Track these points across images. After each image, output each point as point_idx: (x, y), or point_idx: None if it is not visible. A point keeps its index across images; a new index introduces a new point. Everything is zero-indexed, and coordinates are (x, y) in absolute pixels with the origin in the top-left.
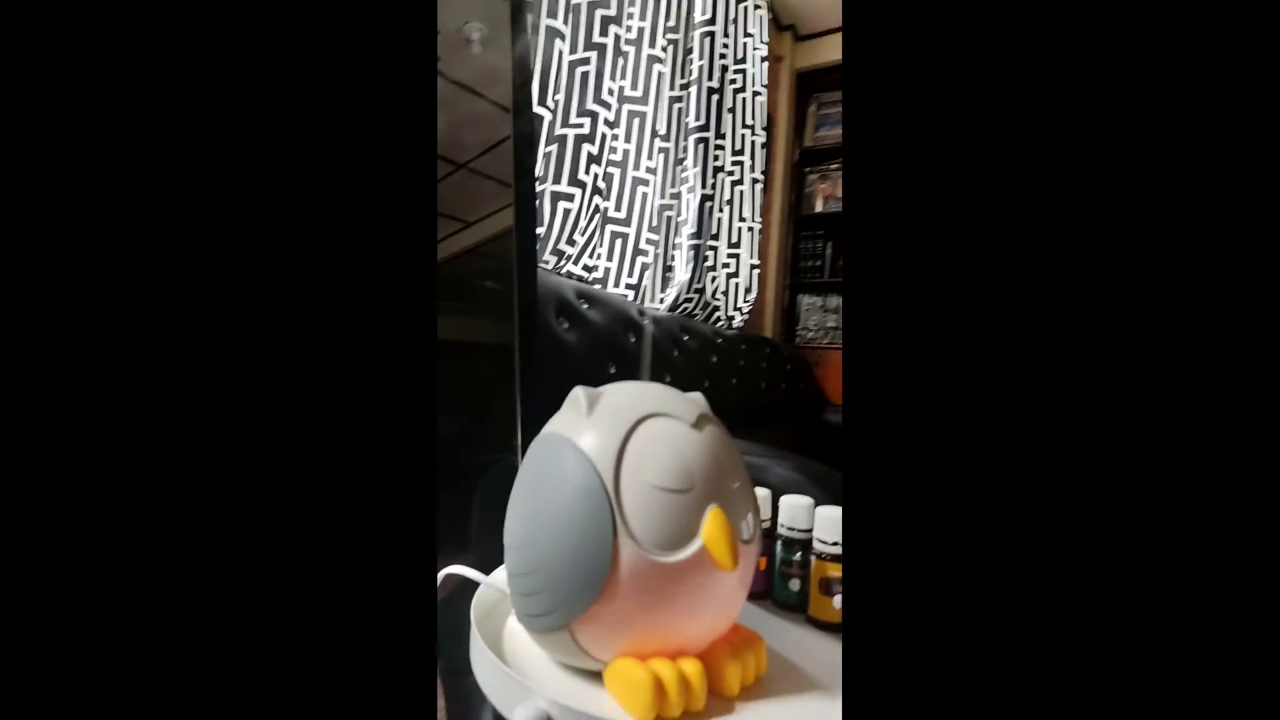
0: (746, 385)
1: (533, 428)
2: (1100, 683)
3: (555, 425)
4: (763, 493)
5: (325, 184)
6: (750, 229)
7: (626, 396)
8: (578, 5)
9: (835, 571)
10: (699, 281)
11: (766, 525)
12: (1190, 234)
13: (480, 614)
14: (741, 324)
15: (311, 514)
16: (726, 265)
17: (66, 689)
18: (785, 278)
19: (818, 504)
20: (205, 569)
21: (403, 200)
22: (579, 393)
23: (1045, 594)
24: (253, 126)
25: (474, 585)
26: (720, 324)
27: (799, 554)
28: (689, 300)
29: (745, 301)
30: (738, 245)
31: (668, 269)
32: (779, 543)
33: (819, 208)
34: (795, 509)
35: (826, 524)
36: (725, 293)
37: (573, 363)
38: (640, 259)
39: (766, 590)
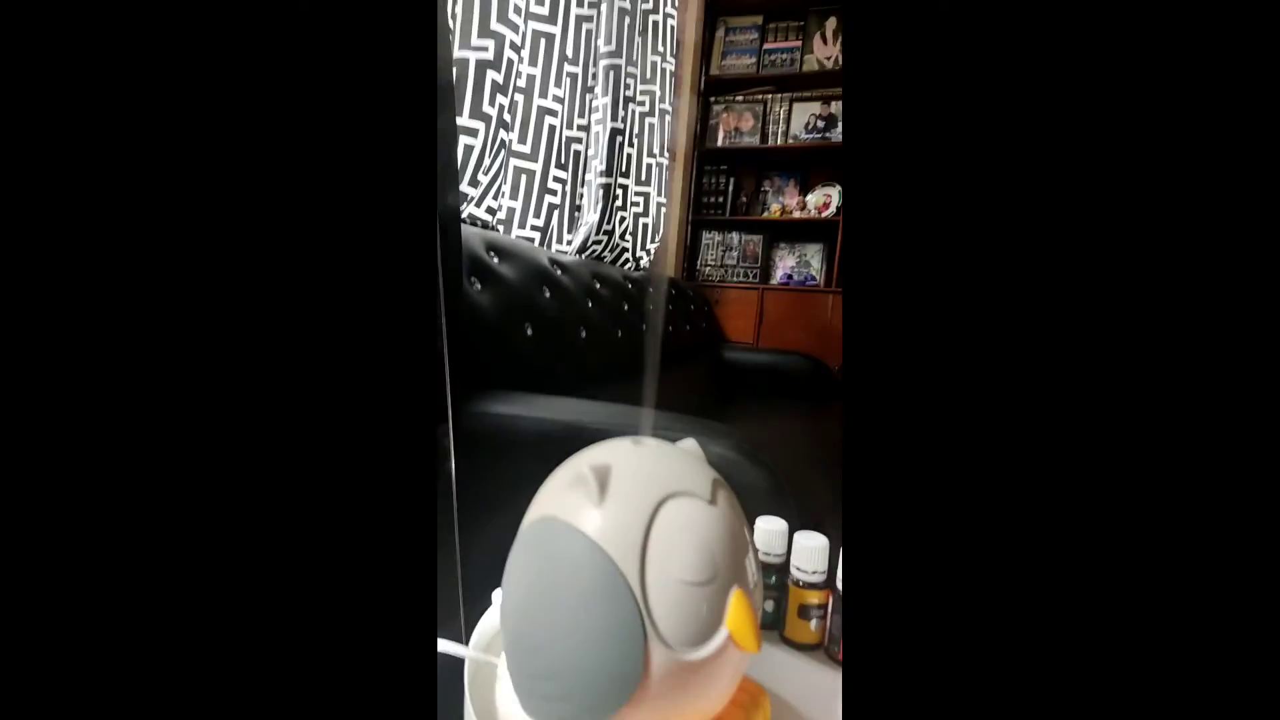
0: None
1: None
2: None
3: (559, 508)
4: None
5: (322, 188)
6: (659, 164)
7: (639, 471)
8: None
9: (814, 599)
10: (608, 223)
11: None
12: (1189, 238)
13: (471, 684)
14: (647, 265)
15: (304, 536)
16: (635, 204)
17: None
18: (689, 214)
19: (767, 492)
20: (199, 576)
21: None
22: (587, 472)
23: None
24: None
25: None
26: (628, 266)
27: (773, 578)
28: (598, 243)
29: (653, 242)
30: (646, 182)
31: (575, 209)
32: None
33: (721, 142)
34: (770, 535)
35: (805, 554)
36: (634, 233)
37: (487, 328)
38: (548, 199)
39: None
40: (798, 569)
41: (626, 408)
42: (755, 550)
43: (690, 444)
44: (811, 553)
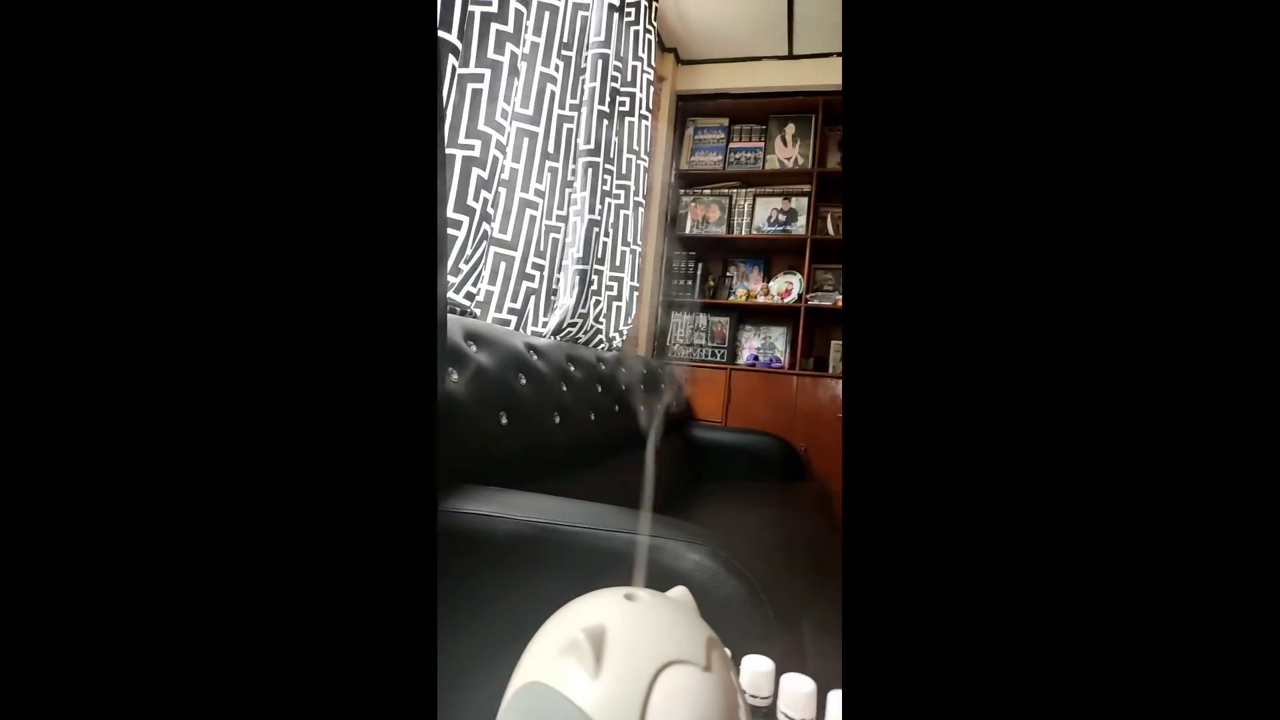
0: (628, 410)
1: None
2: None
3: (549, 674)
4: None
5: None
6: (632, 251)
7: (634, 637)
8: (472, 13)
9: None
10: (583, 306)
11: None
12: (1189, 244)
13: None
14: (620, 345)
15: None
16: (610, 288)
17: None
18: (658, 295)
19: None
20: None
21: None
22: (581, 639)
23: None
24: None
25: None
26: (601, 346)
27: None
28: (573, 325)
29: (626, 324)
30: (621, 269)
31: (552, 293)
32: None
33: (689, 229)
34: (756, 677)
35: (792, 699)
36: (607, 316)
37: (461, 417)
38: (526, 284)
39: None
40: (784, 715)
41: (598, 506)
42: (744, 695)
43: (681, 594)
44: (798, 698)
